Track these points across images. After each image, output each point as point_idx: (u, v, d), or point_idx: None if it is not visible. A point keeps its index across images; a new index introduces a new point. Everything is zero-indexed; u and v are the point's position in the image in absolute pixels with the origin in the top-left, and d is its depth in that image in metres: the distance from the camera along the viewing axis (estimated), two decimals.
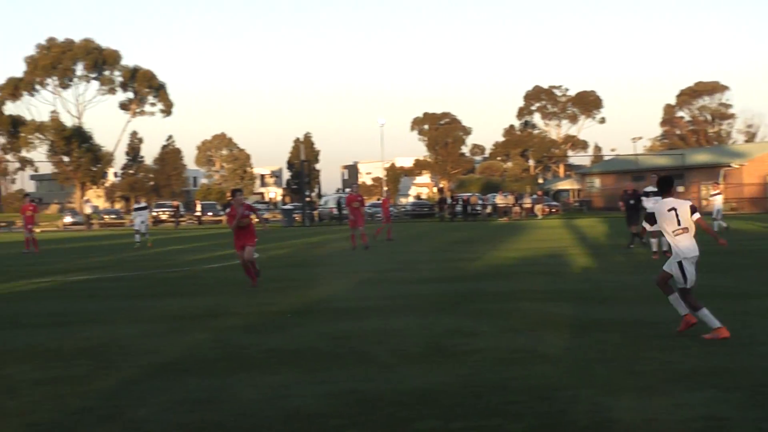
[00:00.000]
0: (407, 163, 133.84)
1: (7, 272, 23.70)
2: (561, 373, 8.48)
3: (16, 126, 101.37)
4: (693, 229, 10.46)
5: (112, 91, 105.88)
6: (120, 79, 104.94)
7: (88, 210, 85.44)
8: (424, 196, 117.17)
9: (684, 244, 10.28)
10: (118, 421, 7.08)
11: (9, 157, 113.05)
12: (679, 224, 10.31)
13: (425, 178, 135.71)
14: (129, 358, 9.94)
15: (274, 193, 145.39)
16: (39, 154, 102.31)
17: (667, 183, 10.95)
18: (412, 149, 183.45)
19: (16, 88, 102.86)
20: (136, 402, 7.73)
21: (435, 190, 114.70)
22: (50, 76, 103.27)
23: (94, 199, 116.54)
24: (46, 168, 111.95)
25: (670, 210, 10.46)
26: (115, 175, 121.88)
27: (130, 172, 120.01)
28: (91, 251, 34.26)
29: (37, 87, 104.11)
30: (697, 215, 10.47)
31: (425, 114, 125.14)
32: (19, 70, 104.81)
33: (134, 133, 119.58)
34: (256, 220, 18.69)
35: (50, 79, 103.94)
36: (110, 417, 7.22)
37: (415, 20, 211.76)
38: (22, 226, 35.75)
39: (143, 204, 37.57)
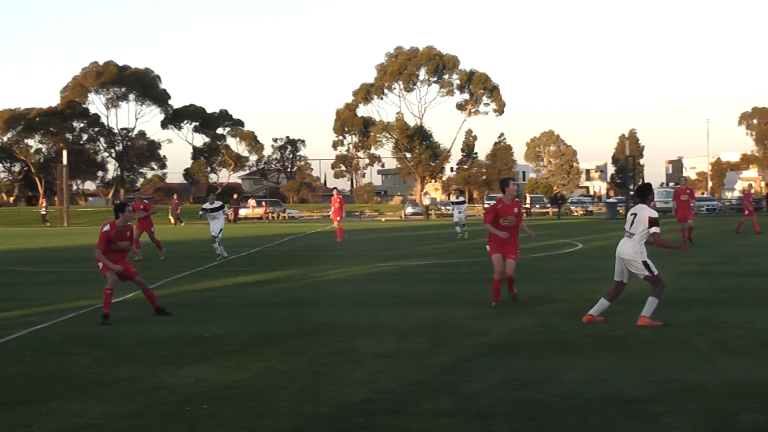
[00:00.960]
0: (733, 157, 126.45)
1: (352, 256, 25.07)
2: None
3: (366, 126, 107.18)
4: None
5: (450, 93, 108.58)
6: (458, 82, 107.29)
7: (426, 201, 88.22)
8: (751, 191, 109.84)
9: None
10: (450, 395, 7.32)
11: (360, 153, 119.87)
12: None
13: (752, 172, 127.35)
14: (461, 338, 10.22)
15: (598, 187, 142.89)
16: (385, 151, 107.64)
17: None
18: (738, 144, 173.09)
19: (367, 92, 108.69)
20: (466, 378, 7.94)
21: (762, 184, 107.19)
22: (397, 81, 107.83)
23: (433, 191, 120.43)
24: (391, 163, 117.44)
25: None
26: (451, 169, 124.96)
27: (465, 167, 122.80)
28: (428, 239, 35.33)
29: (386, 91, 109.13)
30: None
31: (753, 109, 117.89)
32: (370, 76, 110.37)
33: (469, 131, 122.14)
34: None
35: (396, 84, 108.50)
36: (443, 390, 7.48)
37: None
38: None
39: (461, 198, 37.88)
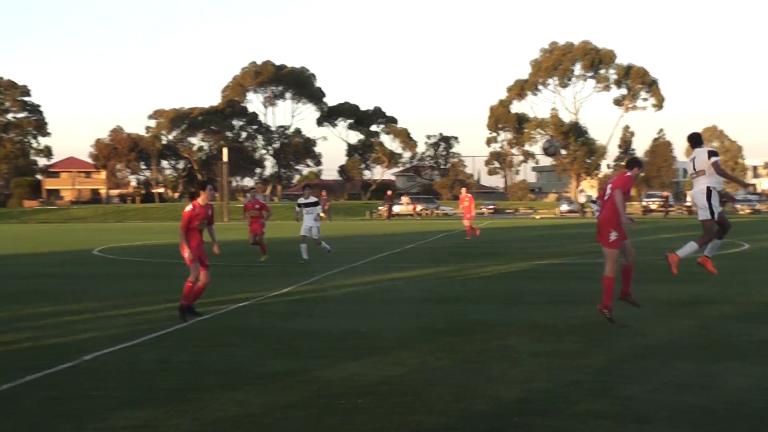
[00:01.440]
0: None
1: (505, 254, 24.86)
2: None
3: (521, 123, 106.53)
4: None
5: (606, 88, 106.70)
6: (614, 76, 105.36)
7: (582, 199, 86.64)
8: None
9: None
10: (607, 396, 7.07)
11: (514, 150, 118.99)
12: None
13: None
14: (618, 338, 9.92)
15: (766, 184, 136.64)
16: (539, 148, 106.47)
17: None
18: None
19: (521, 88, 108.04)
20: (624, 380, 7.67)
21: None
22: (551, 76, 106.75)
23: (588, 189, 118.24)
24: (546, 160, 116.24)
25: None
26: (608, 166, 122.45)
27: (622, 164, 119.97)
28: (583, 237, 34.72)
29: (540, 87, 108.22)
30: None
31: None
32: (524, 72, 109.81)
33: (626, 127, 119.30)
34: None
35: (551, 80, 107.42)
36: (599, 391, 7.24)
37: None
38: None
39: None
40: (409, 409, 6.71)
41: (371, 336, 10.23)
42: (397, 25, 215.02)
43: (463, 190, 36.84)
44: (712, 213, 12.13)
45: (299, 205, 22.97)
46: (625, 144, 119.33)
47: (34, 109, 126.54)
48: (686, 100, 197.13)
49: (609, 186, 11.52)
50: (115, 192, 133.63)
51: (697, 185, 12.35)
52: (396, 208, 78.87)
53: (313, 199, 22.98)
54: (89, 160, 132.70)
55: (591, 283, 16.12)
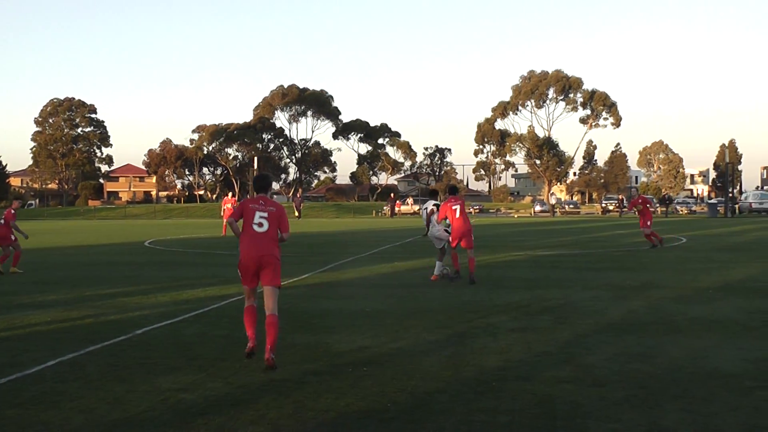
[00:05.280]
0: None
1: (490, 246, 24.79)
2: None
3: (503, 137, 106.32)
4: None
5: (574, 109, 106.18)
6: (581, 99, 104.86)
7: (552, 201, 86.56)
8: None
9: None
10: (571, 364, 7.15)
11: (497, 160, 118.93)
12: None
13: None
14: (581, 317, 9.97)
15: (701, 189, 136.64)
16: (518, 158, 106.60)
17: None
18: None
19: (504, 109, 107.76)
20: (585, 351, 7.74)
21: None
22: (529, 99, 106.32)
23: (558, 192, 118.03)
24: (523, 168, 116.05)
25: None
26: (574, 174, 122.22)
27: (586, 172, 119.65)
28: (554, 233, 34.76)
29: (519, 108, 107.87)
30: None
31: None
32: (506, 95, 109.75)
33: (590, 142, 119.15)
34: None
35: (529, 102, 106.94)
36: (564, 361, 7.32)
37: None
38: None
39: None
40: (406, 376, 6.77)
41: (375, 315, 10.28)
42: (401, 55, 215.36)
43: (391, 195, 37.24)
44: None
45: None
46: (589, 155, 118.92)
47: (99, 124, 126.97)
48: (639, 118, 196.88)
49: (457, 205, 14.19)
50: (163, 193, 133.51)
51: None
52: (403, 208, 79.76)
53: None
54: (143, 167, 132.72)
55: (560, 271, 16.24)
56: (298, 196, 67.99)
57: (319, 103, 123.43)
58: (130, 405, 5.92)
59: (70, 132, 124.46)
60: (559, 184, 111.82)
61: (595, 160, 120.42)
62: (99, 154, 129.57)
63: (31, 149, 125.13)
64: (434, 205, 14.98)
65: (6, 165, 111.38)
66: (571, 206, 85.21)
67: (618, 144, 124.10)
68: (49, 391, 6.36)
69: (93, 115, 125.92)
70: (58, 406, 5.92)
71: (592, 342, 8.23)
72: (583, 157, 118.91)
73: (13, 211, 17.08)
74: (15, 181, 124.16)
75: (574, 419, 5.47)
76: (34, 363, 7.41)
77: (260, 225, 7.62)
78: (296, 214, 60.90)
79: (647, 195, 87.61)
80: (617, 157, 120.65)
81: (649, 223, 23.61)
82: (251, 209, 7.72)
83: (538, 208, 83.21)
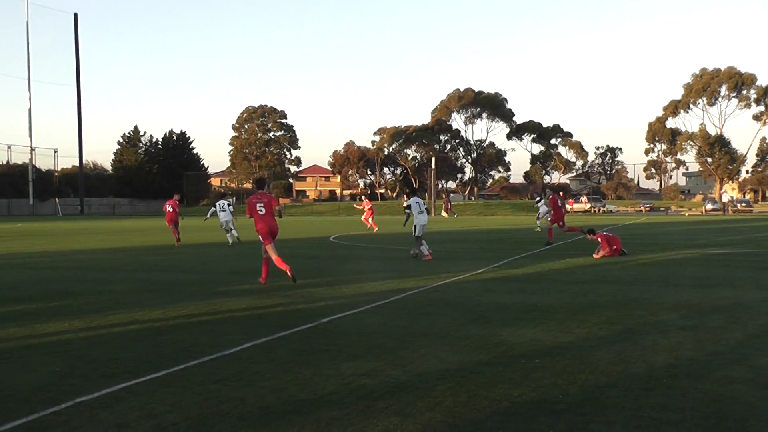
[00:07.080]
0: None
1: (659, 244, 23.64)
2: None
3: (674, 136, 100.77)
4: None
5: (747, 106, 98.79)
6: (754, 96, 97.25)
7: (725, 199, 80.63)
8: None
9: None
10: (744, 365, 6.68)
11: (668, 158, 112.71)
12: None
13: None
14: (753, 317, 9.27)
15: None
16: (689, 156, 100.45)
17: None
18: None
19: (675, 107, 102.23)
20: (758, 352, 7.19)
21: None
22: (700, 97, 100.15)
23: (730, 190, 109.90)
24: (694, 167, 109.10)
25: None
26: (747, 172, 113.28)
27: (759, 170, 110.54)
28: (726, 231, 32.48)
29: (690, 106, 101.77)
30: None
31: None
32: (677, 93, 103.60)
33: (763, 139, 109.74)
34: None
35: (700, 100, 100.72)
36: (737, 361, 6.84)
37: None
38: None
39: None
40: (577, 369, 6.59)
41: (547, 309, 10.06)
42: (573, 57, 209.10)
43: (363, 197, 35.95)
44: None
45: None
46: (762, 153, 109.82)
47: (289, 129, 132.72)
48: None
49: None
50: (347, 192, 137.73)
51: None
52: (576, 206, 78.44)
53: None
54: (328, 167, 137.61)
55: (731, 270, 15.16)
56: (445, 197, 68.02)
57: (494, 106, 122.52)
58: (317, 387, 6.05)
59: (263, 136, 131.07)
60: (731, 182, 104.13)
61: None
62: (288, 156, 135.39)
63: (229, 152, 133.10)
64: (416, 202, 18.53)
65: (207, 167, 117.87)
66: (744, 204, 79.05)
67: None
68: (244, 371, 6.60)
69: (283, 120, 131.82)
70: (252, 384, 6.15)
71: (766, 343, 7.63)
72: (756, 155, 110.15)
73: (177, 201, 25.15)
74: (215, 181, 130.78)
75: (747, 421, 5.10)
76: (231, 345, 7.72)
77: (261, 210, 12.77)
78: (444, 214, 60.08)
79: None
80: None
81: None
82: (254, 202, 12.76)
83: (709, 206, 77.99)
